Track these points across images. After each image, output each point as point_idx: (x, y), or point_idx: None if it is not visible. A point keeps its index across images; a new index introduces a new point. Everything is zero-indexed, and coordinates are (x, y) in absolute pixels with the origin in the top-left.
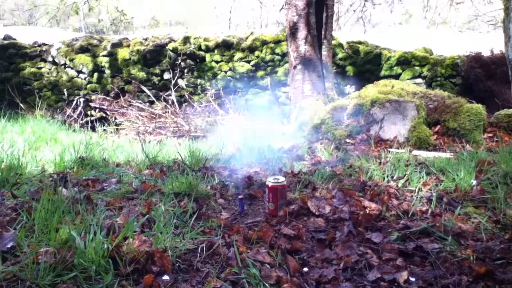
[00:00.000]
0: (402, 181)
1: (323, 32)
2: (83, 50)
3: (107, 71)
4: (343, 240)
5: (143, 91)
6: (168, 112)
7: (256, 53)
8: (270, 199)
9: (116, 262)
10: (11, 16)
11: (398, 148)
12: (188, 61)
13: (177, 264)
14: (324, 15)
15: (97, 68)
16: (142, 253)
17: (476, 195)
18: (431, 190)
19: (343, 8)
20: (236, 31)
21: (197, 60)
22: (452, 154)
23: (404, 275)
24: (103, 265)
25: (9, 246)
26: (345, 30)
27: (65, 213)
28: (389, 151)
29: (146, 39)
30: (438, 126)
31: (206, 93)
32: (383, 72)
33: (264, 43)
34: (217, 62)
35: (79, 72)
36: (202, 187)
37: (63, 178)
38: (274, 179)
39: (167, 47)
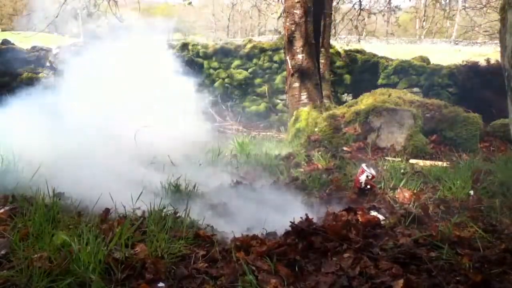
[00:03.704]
0: (398, 189)
1: (320, 41)
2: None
3: None
4: (339, 248)
5: None
6: None
7: (254, 60)
8: None
9: (111, 268)
10: (9, 21)
11: (395, 157)
12: (186, 67)
13: (172, 271)
14: (322, 23)
15: None
16: (136, 259)
17: (472, 204)
18: (427, 198)
19: (338, 17)
20: (234, 38)
21: (195, 66)
22: (448, 163)
23: (400, 283)
24: (98, 271)
25: (3, 252)
26: (339, 39)
27: (60, 218)
28: (386, 159)
29: None
30: (435, 135)
31: (204, 99)
32: (380, 81)
33: (262, 50)
34: (215, 69)
35: None
36: None
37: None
38: None
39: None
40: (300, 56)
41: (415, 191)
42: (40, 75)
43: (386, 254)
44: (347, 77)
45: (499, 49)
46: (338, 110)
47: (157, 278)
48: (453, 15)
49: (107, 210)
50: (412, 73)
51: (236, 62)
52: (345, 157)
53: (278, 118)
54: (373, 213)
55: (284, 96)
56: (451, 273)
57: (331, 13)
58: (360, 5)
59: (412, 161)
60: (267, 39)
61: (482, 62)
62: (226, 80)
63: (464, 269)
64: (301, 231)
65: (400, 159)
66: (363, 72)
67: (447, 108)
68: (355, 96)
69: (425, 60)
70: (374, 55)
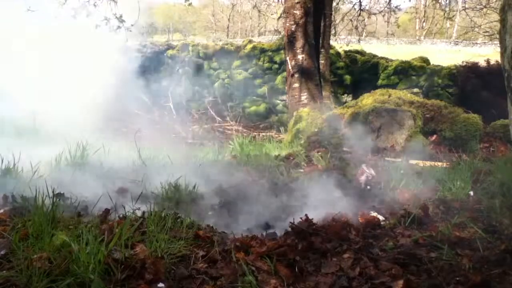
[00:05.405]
0: (398, 189)
1: (320, 41)
2: None
3: None
4: (339, 248)
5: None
6: (166, 118)
7: (254, 61)
8: None
9: (110, 268)
10: None
11: (395, 157)
12: (186, 68)
13: (172, 271)
14: (322, 24)
15: None
16: (136, 259)
17: (472, 205)
18: (427, 199)
19: (338, 17)
20: (234, 39)
21: (195, 67)
22: (448, 163)
23: (400, 283)
24: (98, 271)
25: (3, 252)
26: (339, 39)
27: (60, 219)
28: (386, 160)
29: (144, 46)
30: (435, 136)
31: (204, 100)
32: (380, 81)
33: (262, 51)
34: (215, 69)
35: None
36: None
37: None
38: None
39: (165, 54)
40: (300, 57)
41: (415, 191)
42: None
43: (386, 254)
44: (347, 77)
45: (499, 49)
46: (338, 111)
47: (157, 279)
48: (453, 15)
49: (106, 211)
50: (412, 73)
51: (236, 62)
52: (345, 158)
53: (278, 118)
54: (373, 213)
55: (284, 97)
56: (451, 273)
57: (331, 14)
58: (360, 5)
59: (412, 161)
60: (267, 40)
61: (482, 63)
62: (226, 80)
63: (464, 270)
64: (301, 232)
65: (400, 159)
66: (363, 72)
67: (447, 109)
68: (355, 97)
69: (425, 60)
70: (374, 56)
